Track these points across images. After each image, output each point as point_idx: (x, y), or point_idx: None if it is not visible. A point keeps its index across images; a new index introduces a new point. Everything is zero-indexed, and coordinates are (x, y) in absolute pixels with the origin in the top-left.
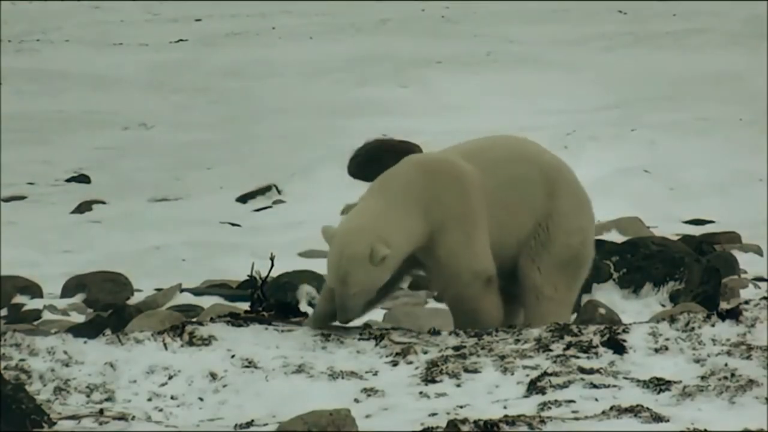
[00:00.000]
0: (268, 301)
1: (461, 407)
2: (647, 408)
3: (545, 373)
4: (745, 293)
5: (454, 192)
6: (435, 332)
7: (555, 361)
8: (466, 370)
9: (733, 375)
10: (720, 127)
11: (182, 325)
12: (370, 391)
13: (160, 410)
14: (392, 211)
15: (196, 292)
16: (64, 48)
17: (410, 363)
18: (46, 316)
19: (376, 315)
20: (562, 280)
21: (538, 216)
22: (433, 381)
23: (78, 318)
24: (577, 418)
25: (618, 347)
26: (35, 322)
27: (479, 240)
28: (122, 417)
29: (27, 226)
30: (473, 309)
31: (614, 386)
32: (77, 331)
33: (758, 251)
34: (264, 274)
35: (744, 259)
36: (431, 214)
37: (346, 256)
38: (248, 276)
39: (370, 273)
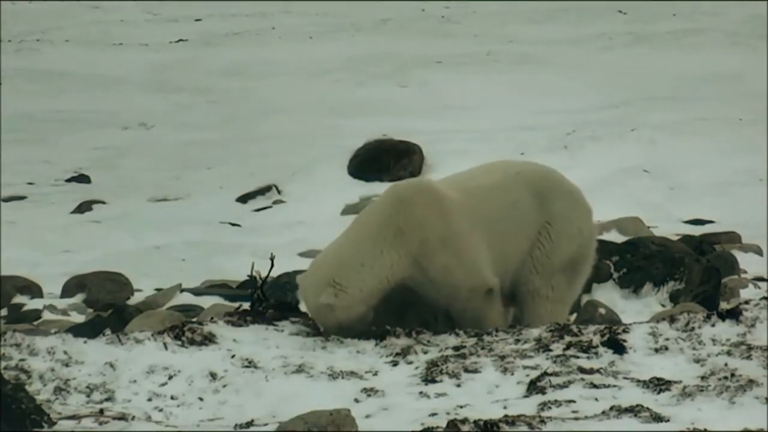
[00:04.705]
0: (268, 300)
1: (461, 407)
2: (647, 408)
3: (545, 373)
4: (745, 293)
5: (431, 215)
6: (435, 332)
7: (555, 361)
8: (466, 370)
9: (733, 375)
10: (720, 127)
11: (182, 325)
12: (370, 391)
13: (160, 410)
14: (353, 251)
15: (196, 292)
16: (64, 48)
17: (410, 363)
18: (46, 315)
19: None
20: (560, 280)
21: (535, 232)
22: (433, 381)
23: (78, 318)
24: (577, 418)
25: (618, 347)
26: (35, 322)
27: (471, 257)
28: (122, 417)
29: (27, 226)
30: (477, 320)
31: (614, 386)
32: (77, 331)
33: (758, 251)
34: (264, 274)
35: (744, 259)
36: (408, 242)
37: (311, 309)
38: (248, 276)
39: (336, 315)
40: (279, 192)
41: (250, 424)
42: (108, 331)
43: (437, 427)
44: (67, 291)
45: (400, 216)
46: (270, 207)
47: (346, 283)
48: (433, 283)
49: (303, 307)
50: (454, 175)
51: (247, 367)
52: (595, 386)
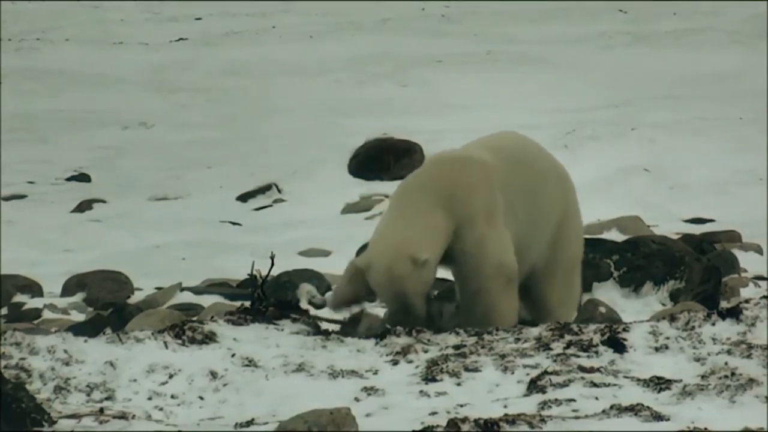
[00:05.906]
0: (269, 299)
1: (461, 406)
2: (647, 407)
3: (545, 372)
4: (746, 292)
5: (480, 187)
6: (435, 331)
7: (555, 360)
8: (467, 369)
9: (733, 374)
10: (720, 126)
11: (182, 324)
12: (370, 390)
13: (161, 409)
14: (417, 218)
15: (197, 290)
16: (64, 47)
17: (410, 362)
18: (47, 314)
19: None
20: (570, 283)
21: (558, 215)
22: (434, 380)
23: (78, 317)
24: (577, 417)
25: (618, 346)
26: (35, 321)
27: (505, 233)
28: (122, 416)
29: (27, 225)
30: (490, 306)
31: (614, 385)
32: (77, 329)
33: (758, 250)
34: (264, 273)
35: (744, 258)
36: (456, 210)
37: (396, 277)
38: (248, 275)
39: (421, 278)
40: (279, 191)
41: (250, 422)
42: (108, 330)
43: (437, 426)
44: (67, 290)
45: (451, 185)
46: (270, 206)
47: (422, 250)
48: (463, 253)
49: (304, 305)
50: (484, 140)
51: (247, 366)
52: (595, 385)
